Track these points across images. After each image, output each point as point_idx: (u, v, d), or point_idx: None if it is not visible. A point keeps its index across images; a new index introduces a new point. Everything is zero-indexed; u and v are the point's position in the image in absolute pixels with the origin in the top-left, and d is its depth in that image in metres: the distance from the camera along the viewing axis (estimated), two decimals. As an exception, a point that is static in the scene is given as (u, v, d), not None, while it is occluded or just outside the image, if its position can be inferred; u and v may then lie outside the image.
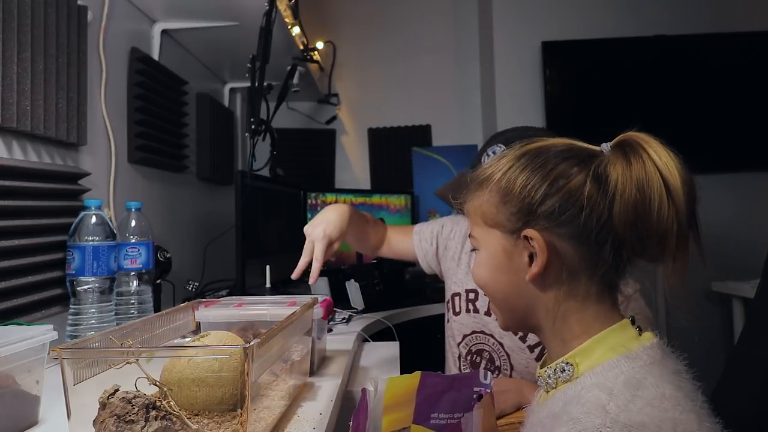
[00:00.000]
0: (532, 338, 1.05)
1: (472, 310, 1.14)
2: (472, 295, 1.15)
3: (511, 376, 1.07)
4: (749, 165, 2.34)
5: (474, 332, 1.13)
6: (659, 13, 2.43)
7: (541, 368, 0.60)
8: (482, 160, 1.11)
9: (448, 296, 1.21)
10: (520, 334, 1.05)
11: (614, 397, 0.48)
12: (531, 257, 0.57)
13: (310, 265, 1.02)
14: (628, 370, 0.51)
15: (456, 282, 1.19)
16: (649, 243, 0.52)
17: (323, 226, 1.02)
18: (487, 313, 1.11)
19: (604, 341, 0.55)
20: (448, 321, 1.21)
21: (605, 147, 0.57)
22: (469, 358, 1.14)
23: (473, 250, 0.65)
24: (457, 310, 1.17)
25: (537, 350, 1.05)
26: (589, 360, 0.54)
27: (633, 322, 0.57)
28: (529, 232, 0.56)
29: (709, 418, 0.49)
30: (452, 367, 1.20)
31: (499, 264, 0.60)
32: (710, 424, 0.48)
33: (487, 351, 1.10)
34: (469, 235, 0.65)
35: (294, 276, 1.02)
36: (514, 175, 0.58)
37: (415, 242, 1.26)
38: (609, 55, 2.40)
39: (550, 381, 0.58)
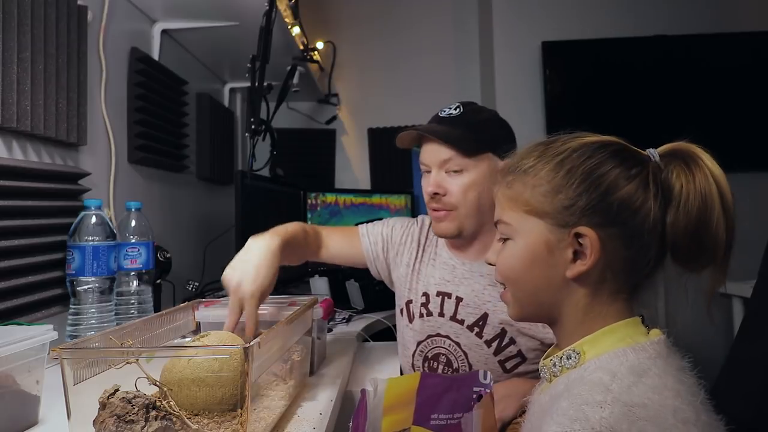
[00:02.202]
0: (488, 333, 1.01)
1: (425, 314, 1.08)
2: (424, 299, 1.09)
3: None
4: (749, 165, 2.34)
5: (429, 336, 1.07)
6: (659, 13, 2.42)
7: (545, 359, 0.61)
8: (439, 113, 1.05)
9: (401, 304, 1.14)
10: (477, 330, 1.01)
11: (617, 380, 0.50)
12: (575, 254, 0.56)
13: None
14: (633, 359, 0.52)
15: (411, 289, 1.12)
16: (703, 252, 0.54)
17: (250, 284, 0.83)
18: (441, 315, 1.06)
19: (613, 333, 0.56)
20: (400, 330, 1.15)
21: (652, 153, 0.58)
22: (426, 365, 1.07)
23: (502, 239, 0.62)
24: (411, 317, 1.11)
25: (494, 344, 1.01)
26: (596, 349, 0.55)
27: (643, 321, 0.58)
28: (584, 229, 0.55)
29: (708, 414, 0.49)
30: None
31: (537, 257, 0.58)
32: (708, 419, 0.49)
33: (443, 354, 1.05)
34: (499, 221, 0.62)
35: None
36: (579, 162, 0.56)
37: (364, 245, 1.17)
38: (609, 55, 2.39)
39: (554, 369, 0.58)
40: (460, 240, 1.06)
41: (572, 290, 0.58)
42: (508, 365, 1.00)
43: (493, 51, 2.47)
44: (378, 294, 1.73)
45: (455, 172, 1.00)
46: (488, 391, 0.76)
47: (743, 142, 2.33)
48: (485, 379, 0.79)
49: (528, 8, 2.47)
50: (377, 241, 1.17)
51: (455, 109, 1.04)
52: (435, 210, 1.03)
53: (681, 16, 2.42)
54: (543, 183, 0.57)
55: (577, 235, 0.55)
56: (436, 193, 1.01)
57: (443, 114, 1.04)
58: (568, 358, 0.57)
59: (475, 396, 0.77)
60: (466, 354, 1.03)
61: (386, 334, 1.56)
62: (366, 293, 1.72)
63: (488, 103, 2.58)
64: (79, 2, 1.20)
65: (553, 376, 0.59)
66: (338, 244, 1.17)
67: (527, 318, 0.64)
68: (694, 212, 0.53)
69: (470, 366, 1.03)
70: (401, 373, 1.19)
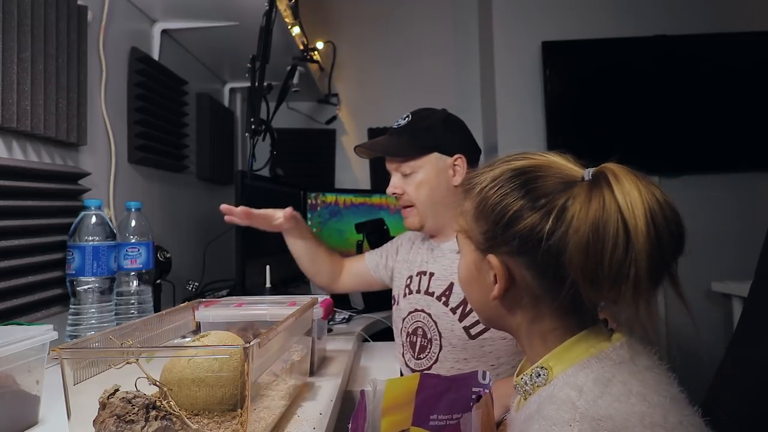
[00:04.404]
0: (453, 301, 1.11)
1: (407, 293, 1.20)
2: (408, 281, 1.22)
3: (441, 343, 1.11)
4: (749, 165, 2.34)
5: (410, 312, 1.18)
6: (659, 13, 2.42)
7: (517, 376, 0.61)
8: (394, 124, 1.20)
9: (394, 295, 1.28)
10: (444, 299, 1.12)
11: (584, 394, 0.50)
12: (496, 277, 0.57)
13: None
14: (598, 369, 0.52)
15: (401, 276, 1.26)
16: (602, 288, 0.50)
17: None
18: (418, 291, 1.18)
19: (577, 345, 0.55)
20: (393, 322, 1.28)
21: (587, 174, 0.53)
22: (408, 340, 1.18)
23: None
24: (398, 299, 1.24)
25: (459, 311, 1.10)
26: (563, 363, 0.55)
27: (606, 324, 0.58)
28: (491, 258, 0.57)
29: (678, 411, 0.49)
30: (401, 365, 1.22)
31: (472, 275, 0.62)
32: (677, 417, 0.48)
33: (420, 327, 1.16)
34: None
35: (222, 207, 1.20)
36: (491, 193, 0.57)
37: (367, 258, 1.37)
38: (609, 55, 2.39)
39: (527, 387, 0.58)
40: (430, 230, 1.21)
41: (506, 312, 0.59)
42: (473, 331, 1.07)
43: (493, 51, 2.47)
44: (378, 294, 1.73)
45: (406, 175, 1.16)
46: (487, 391, 0.76)
47: (743, 142, 2.33)
48: (484, 379, 0.79)
49: (528, 8, 2.46)
50: (378, 252, 1.35)
51: (404, 119, 1.18)
52: (402, 207, 1.20)
53: (681, 16, 2.41)
54: (470, 209, 0.60)
55: (490, 262, 0.57)
56: (395, 194, 1.18)
57: (395, 125, 1.19)
58: (537, 376, 0.57)
59: (474, 396, 0.77)
60: (436, 323, 1.12)
61: (386, 334, 1.56)
62: (366, 293, 1.72)
63: (488, 104, 2.59)
64: (79, 2, 1.20)
65: (527, 394, 0.59)
66: (353, 265, 1.37)
67: (490, 325, 0.66)
68: (583, 243, 0.48)
69: (440, 334, 1.12)
70: (401, 374, 1.20)
